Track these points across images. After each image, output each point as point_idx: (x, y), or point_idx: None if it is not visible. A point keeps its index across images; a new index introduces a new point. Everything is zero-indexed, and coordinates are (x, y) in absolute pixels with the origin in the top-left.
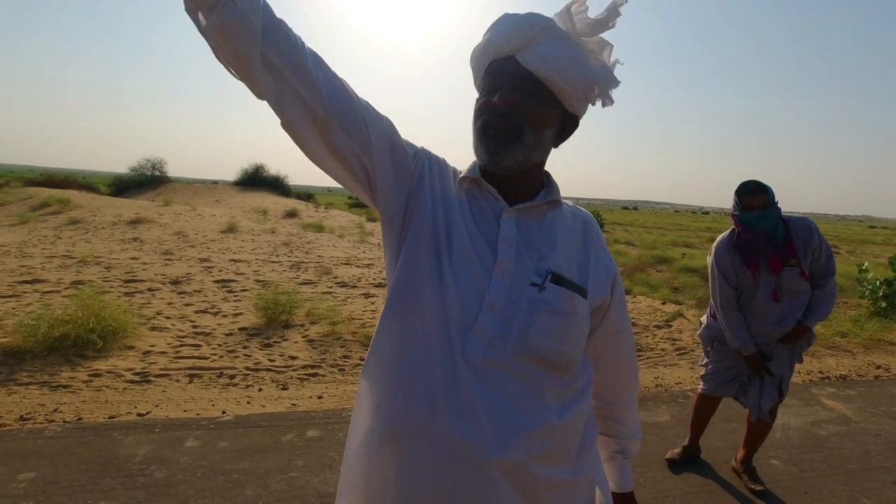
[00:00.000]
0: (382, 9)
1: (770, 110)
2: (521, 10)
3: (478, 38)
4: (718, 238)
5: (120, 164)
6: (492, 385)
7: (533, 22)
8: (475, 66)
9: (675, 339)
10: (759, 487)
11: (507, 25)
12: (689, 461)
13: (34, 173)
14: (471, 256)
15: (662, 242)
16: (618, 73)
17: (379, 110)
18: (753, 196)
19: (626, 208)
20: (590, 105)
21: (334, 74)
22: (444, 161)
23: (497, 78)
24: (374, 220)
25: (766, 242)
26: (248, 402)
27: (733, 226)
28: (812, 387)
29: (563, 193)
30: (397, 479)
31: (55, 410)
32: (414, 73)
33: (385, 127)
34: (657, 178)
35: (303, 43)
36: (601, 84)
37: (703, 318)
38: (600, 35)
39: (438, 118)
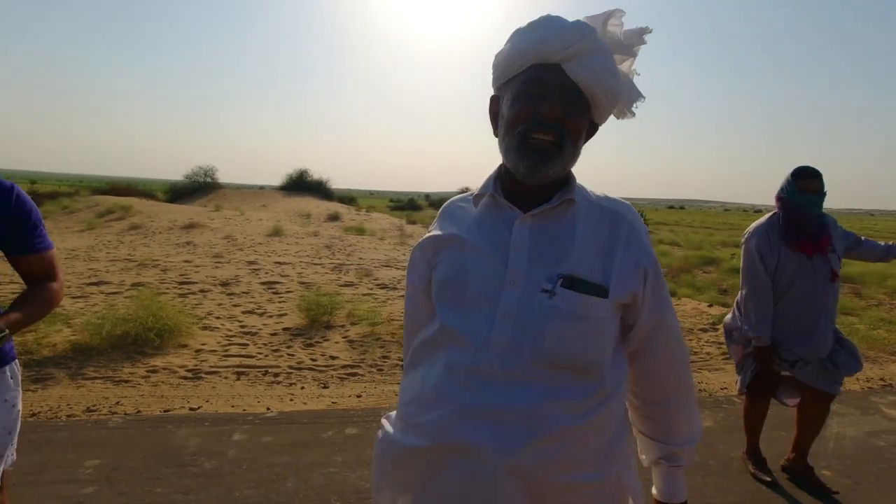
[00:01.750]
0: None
1: (835, 100)
2: (541, 13)
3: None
4: (755, 223)
5: (176, 171)
6: (506, 393)
7: (584, 33)
8: (506, 67)
9: (721, 343)
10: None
11: (556, 32)
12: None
13: (101, 182)
14: (483, 270)
15: (710, 242)
16: (645, 82)
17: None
18: (812, 179)
19: (672, 207)
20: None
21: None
22: (423, 240)
23: (540, 86)
24: (413, 223)
25: (818, 225)
26: (291, 400)
27: (774, 211)
28: (872, 395)
29: (609, 193)
30: (416, 479)
31: (117, 403)
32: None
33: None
34: (706, 176)
35: None
36: (625, 98)
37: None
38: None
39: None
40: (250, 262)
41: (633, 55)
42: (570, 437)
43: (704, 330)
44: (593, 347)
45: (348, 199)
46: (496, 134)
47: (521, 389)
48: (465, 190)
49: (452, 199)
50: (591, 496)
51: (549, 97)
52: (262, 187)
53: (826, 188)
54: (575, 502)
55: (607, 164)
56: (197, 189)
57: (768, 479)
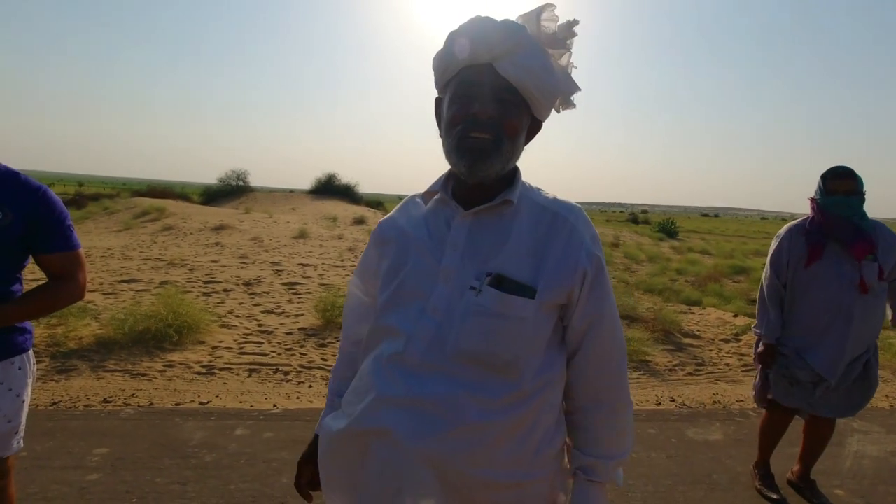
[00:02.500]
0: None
1: (884, 102)
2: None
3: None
4: (792, 222)
5: (211, 175)
6: (424, 383)
7: (513, 31)
8: (443, 69)
9: (742, 355)
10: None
11: (485, 32)
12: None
13: (141, 185)
14: (421, 266)
15: (742, 251)
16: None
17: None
18: (840, 180)
19: (705, 215)
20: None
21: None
22: (382, 222)
23: (472, 87)
24: None
25: (849, 227)
26: (298, 398)
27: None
28: None
29: (636, 200)
30: (348, 464)
31: (132, 395)
32: None
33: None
34: (742, 184)
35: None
36: (564, 91)
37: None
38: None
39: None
40: (274, 264)
41: (568, 48)
42: (485, 432)
43: (726, 340)
44: (511, 346)
45: (376, 203)
46: (441, 135)
47: (439, 381)
48: None
49: (414, 194)
50: (521, 497)
51: (481, 97)
52: (291, 191)
53: (863, 189)
54: (504, 502)
55: (641, 170)
56: (230, 192)
57: (775, 496)
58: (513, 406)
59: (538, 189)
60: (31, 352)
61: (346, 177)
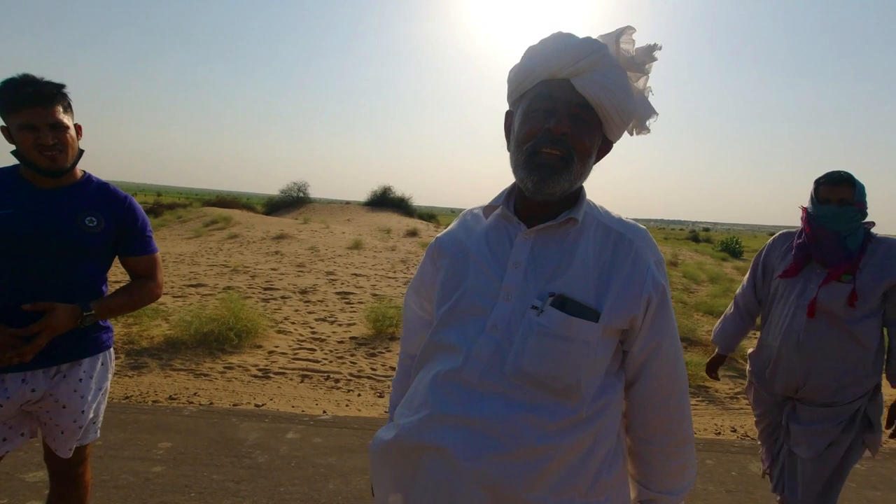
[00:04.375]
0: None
1: None
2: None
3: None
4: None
5: (274, 186)
6: (481, 403)
7: (594, 48)
8: (518, 82)
9: None
10: None
11: (566, 48)
12: None
13: (211, 195)
14: (481, 282)
15: None
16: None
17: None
18: (834, 186)
19: (772, 234)
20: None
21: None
22: (441, 236)
23: (549, 101)
24: None
25: (835, 245)
26: (347, 405)
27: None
28: None
29: (698, 218)
30: (400, 477)
31: (195, 394)
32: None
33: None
34: (775, 197)
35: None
36: (640, 114)
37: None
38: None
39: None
40: (329, 273)
41: (646, 72)
42: (543, 455)
43: None
44: (572, 369)
45: (429, 216)
46: (509, 149)
47: (496, 401)
48: None
49: (472, 207)
50: None
51: (557, 113)
52: (348, 202)
53: (863, 199)
54: None
55: (703, 187)
56: (290, 203)
57: None
58: (570, 430)
59: (603, 209)
60: (112, 350)
61: (400, 189)
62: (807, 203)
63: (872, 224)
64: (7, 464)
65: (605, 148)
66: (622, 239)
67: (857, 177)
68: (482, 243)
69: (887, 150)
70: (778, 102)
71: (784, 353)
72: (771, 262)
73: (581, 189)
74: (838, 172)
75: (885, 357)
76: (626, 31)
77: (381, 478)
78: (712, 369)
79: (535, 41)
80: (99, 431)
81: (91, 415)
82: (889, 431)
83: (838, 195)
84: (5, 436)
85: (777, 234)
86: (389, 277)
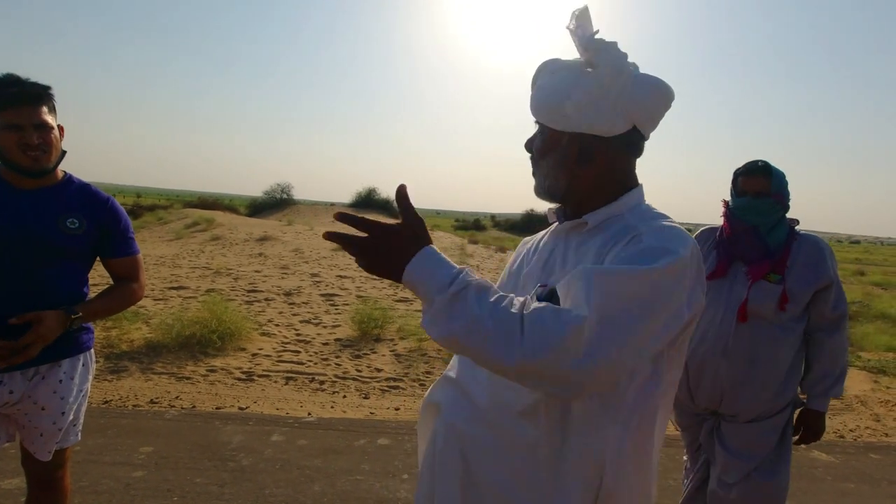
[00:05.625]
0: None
1: None
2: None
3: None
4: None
5: (257, 188)
6: (482, 375)
7: (536, 71)
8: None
9: None
10: None
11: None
12: None
13: (193, 197)
14: (516, 270)
15: None
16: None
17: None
18: (751, 177)
19: (855, 242)
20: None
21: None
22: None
23: None
24: (475, 243)
25: (754, 240)
26: (332, 407)
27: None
28: None
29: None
30: (421, 432)
31: (176, 398)
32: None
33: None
34: (793, 202)
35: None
36: (583, 61)
37: None
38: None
39: None
40: (314, 275)
41: (579, 37)
42: (510, 433)
43: None
44: None
45: None
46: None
47: (480, 371)
48: (531, 212)
49: None
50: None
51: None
52: (332, 204)
53: (782, 191)
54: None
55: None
56: (274, 204)
57: None
58: (540, 416)
59: (654, 214)
60: (92, 351)
61: (385, 191)
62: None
63: (797, 222)
64: None
65: (589, 142)
66: (627, 229)
67: (863, 175)
68: (544, 237)
69: (887, 150)
70: (766, 104)
71: (710, 360)
72: None
73: (619, 192)
74: (755, 162)
75: (803, 367)
76: (572, 15)
77: (419, 431)
78: None
79: (518, 43)
80: (80, 434)
81: (71, 417)
82: (795, 438)
83: (755, 187)
84: None
85: (699, 232)
86: (374, 279)
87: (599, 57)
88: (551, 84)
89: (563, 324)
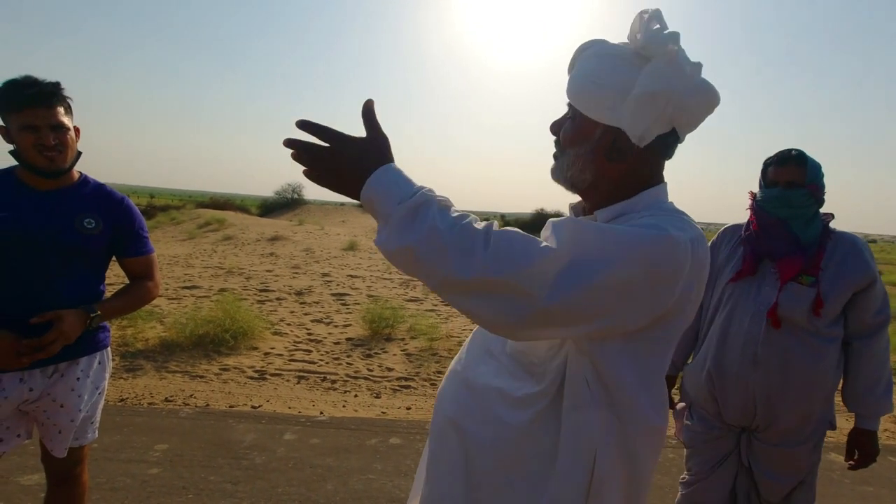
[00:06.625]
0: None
1: None
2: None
3: None
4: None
5: (268, 188)
6: (480, 368)
7: (577, 50)
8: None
9: None
10: None
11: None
12: None
13: (205, 197)
14: None
15: None
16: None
17: None
18: (782, 167)
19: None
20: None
21: None
22: None
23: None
24: None
25: (782, 233)
26: (344, 406)
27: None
28: None
29: (708, 219)
30: None
31: (191, 396)
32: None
33: None
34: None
35: None
36: (641, 55)
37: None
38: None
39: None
40: (324, 274)
41: (645, 47)
42: (500, 427)
43: None
44: (538, 346)
45: None
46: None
47: (489, 367)
48: (541, 211)
49: None
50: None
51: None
52: (342, 204)
53: (817, 181)
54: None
55: (722, 188)
56: (285, 204)
57: None
58: (530, 408)
59: (670, 210)
60: (109, 349)
61: None
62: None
63: (831, 216)
64: (2, 467)
65: (621, 139)
66: (635, 218)
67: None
68: None
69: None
70: (780, 101)
71: (738, 370)
72: (716, 262)
73: (636, 187)
74: (788, 151)
75: (842, 377)
76: (641, 16)
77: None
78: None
79: (527, 42)
80: (97, 432)
81: (88, 414)
82: (850, 463)
83: (786, 177)
84: (2, 436)
85: (722, 229)
86: (385, 279)
87: (661, 57)
88: (597, 69)
89: (534, 247)
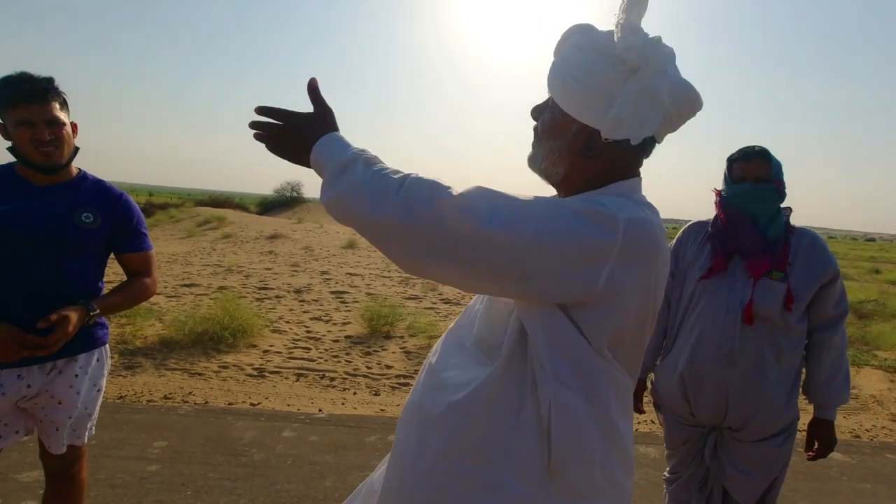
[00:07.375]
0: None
1: None
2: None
3: None
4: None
5: (268, 186)
6: (450, 360)
7: (563, 34)
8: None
9: None
10: None
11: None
12: None
13: (204, 195)
14: None
15: None
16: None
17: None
18: (748, 163)
19: (870, 240)
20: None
21: None
22: None
23: None
24: None
25: (752, 231)
26: (343, 403)
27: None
28: None
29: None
30: None
31: (190, 393)
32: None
33: None
34: (806, 200)
35: None
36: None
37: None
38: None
39: None
40: (324, 272)
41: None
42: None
43: None
44: (496, 330)
45: None
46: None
47: (455, 357)
48: None
49: None
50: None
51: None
52: None
53: (780, 177)
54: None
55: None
56: (284, 203)
57: None
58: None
59: (638, 202)
60: (107, 346)
61: None
62: (720, 185)
63: (790, 210)
64: (1, 464)
65: (596, 140)
66: None
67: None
68: None
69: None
70: (772, 97)
71: (713, 368)
72: (684, 260)
73: (603, 179)
74: (751, 147)
75: (805, 370)
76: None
77: None
78: (636, 399)
79: (524, 43)
80: (94, 429)
81: (86, 410)
82: (809, 455)
83: (753, 172)
84: (0, 433)
85: (686, 226)
86: (384, 276)
87: (644, 69)
88: (576, 64)
89: (444, 189)
